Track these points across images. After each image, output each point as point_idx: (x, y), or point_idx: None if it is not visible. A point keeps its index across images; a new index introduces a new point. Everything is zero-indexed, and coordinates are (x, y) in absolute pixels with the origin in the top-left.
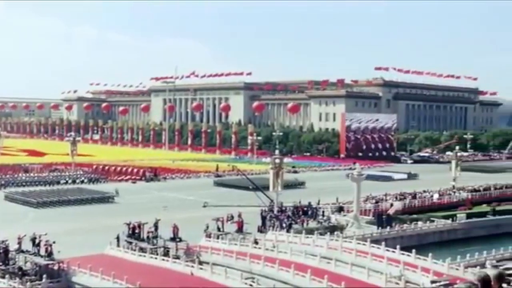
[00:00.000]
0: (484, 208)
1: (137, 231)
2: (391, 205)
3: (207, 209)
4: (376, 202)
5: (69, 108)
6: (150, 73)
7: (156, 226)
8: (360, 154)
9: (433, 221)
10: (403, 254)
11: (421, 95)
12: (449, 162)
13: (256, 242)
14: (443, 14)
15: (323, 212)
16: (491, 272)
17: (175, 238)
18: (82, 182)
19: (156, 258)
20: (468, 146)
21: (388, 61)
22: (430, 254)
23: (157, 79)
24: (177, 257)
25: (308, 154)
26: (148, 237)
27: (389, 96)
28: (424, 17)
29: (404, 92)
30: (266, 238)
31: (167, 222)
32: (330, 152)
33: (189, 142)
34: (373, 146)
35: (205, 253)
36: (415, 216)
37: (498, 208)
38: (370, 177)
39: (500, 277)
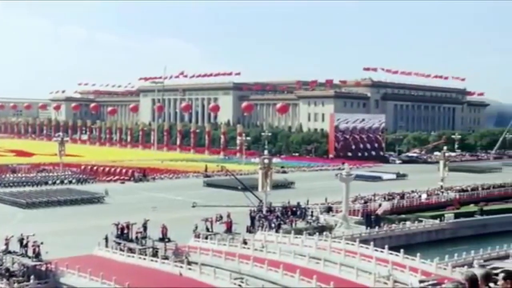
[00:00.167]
0: (472, 208)
1: (125, 231)
2: (380, 205)
3: (196, 209)
4: (365, 202)
5: (57, 108)
6: (139, 73)
7: (145, 226)
8: (349, 154)
9: (421, 221)
10: (391, 254)
11: (409, 95)
12: (437, 162)
13: (245, 242)
14: (431, 15)
15: (312, 212)
16: (478, 271)
17: (164, 239)
18: (70, 182)
19: (145, 258)
20: (456, 146)
21: (377, 61)
22: (418, 254)
23: (145, 79)
24: (166, 258)
25: (297, 154)
26: (136, 237)
27: (378, 96)
28: (412, 18)
29: (393, 92)
30: (255, 238)
31: (156, 223)
32: (319, 152)
33: (178, 142)
34: (361, 146)
35: (194, 253)
36: (403, 216)
37: (485, 208)
38: (359, 177)
39: (487, 277)
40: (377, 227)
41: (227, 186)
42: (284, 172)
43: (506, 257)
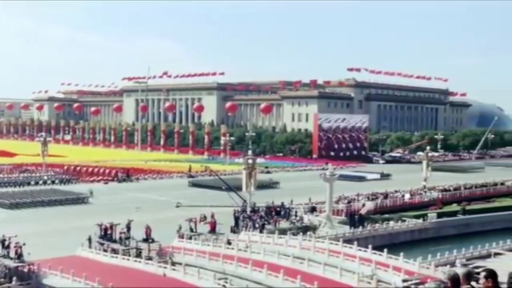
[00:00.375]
0: (454, 207)
1: (109, 232)
2: (363, 205)
3: (180, 209)
4: (349, 202)
5: (40, 108)
6: (122, 73)
7: (128, 227)
8: (332, 154)
9: (404, 220)
10: (375, 253)
11: (392, 95)
12: (420, 162)
13: (229, 243)
14: (413, 16)
15: (296, 212)
16: (460, 270)
17: (147, 239)
18: (53, 182)
19: (128, 259)
20: (439, 146)
21: (360, 62)
22: (401, 253)
23: (129, 79)
24: (150, 258)
25: (281, 154)
26: (120, 238)
27: (361, 97)
28: (395, 19)
29: (376, 93)
30: (239, 238)
31: (139, 223)
32: (302, 152)
33: (162, 142)
34: (345, 146)
35: (178, 254)
36: (387, 216)
37: (468, 208)
38: (344, 177)
39: (469, 276)
40: (360, 227)
41: (212, 186)
42: (268, 172)
43: (488, 256)
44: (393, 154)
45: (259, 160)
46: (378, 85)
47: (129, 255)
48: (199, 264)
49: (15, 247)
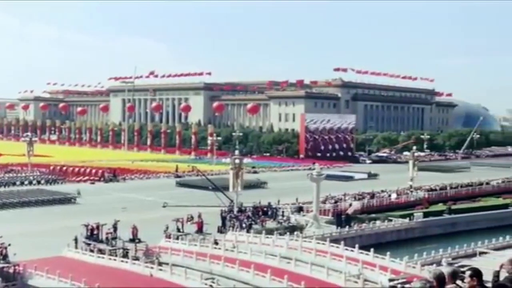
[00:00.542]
0: (440, 207)
1: (95, 232)
2: (350, 205)
3: (166, 209)
4: (335, 202)
5: (25, 108)
6: (109, 73)
7: (115, 227)
8: (319, 154)
9: (391, 220)
10: (361, 253)
11: (379, 96)
12: (407, 162)
13: (216, 243)
14: (400, 16)
15: (282, 212)
16: (445, 269)
17: (134, 239)
18: (39, 183)
19: (115, 259)
20: (425, 146)
21: (347, 62)
22: (388, 253)
23: (116, 79)
24: (137, 258)
25: (267, 154)
26: (107, 238)
27: (348, 97)
28: (382, 19)
29: (363, 93)
30: (226, 238)
31: (126, 223)
32: (289, 152)
33: (149, 142)
34: (331, 146)
35: (165, 254)
36: (373, 215)
37: (453, 207)
38: (331, 177)
39: (454, 275)
40: (347, 227)
41: (199, 186)
42: (255, 172)
43: (473, 255)
44: (379, 154)
45: (246, 160)
46: (365, 85)
47: (116, 255)
48: (186, 264)
49: (0, 248)
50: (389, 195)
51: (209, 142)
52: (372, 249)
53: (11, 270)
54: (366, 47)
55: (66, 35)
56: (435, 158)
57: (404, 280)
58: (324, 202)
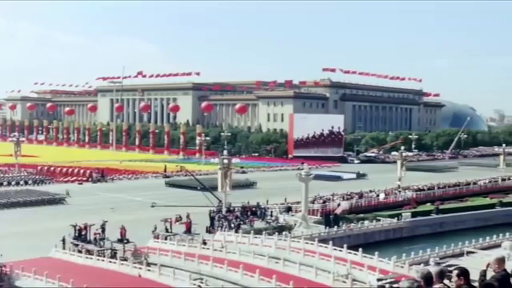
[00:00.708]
0: (428, 207)
1: (83, 233)
2: (339, 205)
3: (155, 210)
4: (324, 202)
5: (12, 108)
6: (97, 73)
7: (103, 227)
8: (307, 154)
9: (379, 220)
10: (350, 253)
11: (367, 96)
12: (395, 162)
13: (204, 243)
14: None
15: (271, 212)
16: (433, 269)
17: (122, 240)
18: (26, 183)
19: (103, 260)
20: (413, 146)
21: (336, 62)
22: (376, 253)
23: (104, 79)
24: (125, 259)
25: (256, 154)
26: (95, 239)
27: (336, 97)
28: (370, 20)
29: (351, 93)
30: (215, 238)
31: (114, 224)
32: (278, 152)
33: (137, 142)
34: (320, 146)
35: (153, 254)
36: (361, 215)
37: (441, 207)
38: (320, 177)
39: (442, 274)
40: (336, 227)
41: (188, 187)
42: (244, 172)
43: (460, 254)
44: (368, 154)
45: (234, 160)
46: (353, 86)
47: (104, 256)
48: (174, 265)
49: None
50: (377, 195)
51: (197, 142)
52: (360, 249)
53: None
54: (354, 48)
55: (53, 34)
56: (423, 158)
57: (393, 279)
58: (312, 202)
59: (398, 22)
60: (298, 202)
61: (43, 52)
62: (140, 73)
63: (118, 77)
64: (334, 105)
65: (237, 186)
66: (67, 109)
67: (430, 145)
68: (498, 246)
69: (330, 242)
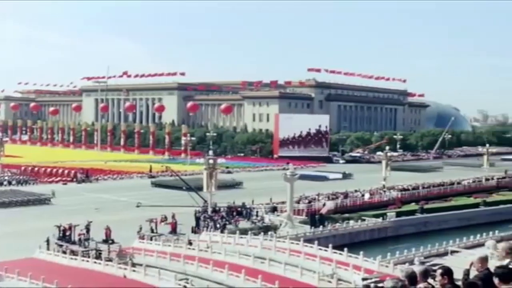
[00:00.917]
0: (413, 206)
1: (68, 233)
2: (324, 204)
3: (140, 210)
4: (309, 202)
5: None
6: (82, 72)
7: (87, 228)
8: (293, 154)
9: (364, 220)
10: (335, 252)
11: (352, 96)
12: (380, 162)
13: (190, 243)
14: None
15: (257, 212)
16: (417, 268)
17: (107, 240)
18: (10, 183)
19: (88, 261)
20: (398, 146)
21: (321, 62)
22: (361, 252)
23: (88, 78)
24: (110, 260)
25: (242, 154)
26: (79, 239)
27: (322, 97)
28: (355, 20)
29: (336, 93)
30: (200, 239)
31: (99, 224)
32: (263, 152)
33: (122, 142)
34: (305, 146)
35: (138, 255)
36: (347, 215)
37: (426, 207)
38: (306, 177)
39: (426, 273)
40: (321, 227)
41: (174, 187)
42: (229, 172)
43: (445, 254)
44: (353, 154)
45: (220, 160)
46: (338, 86)
47: (89, 257)
48: (160, 265)
49: None
50: (363, 195)
51: (183, 142)
52: (345, 249)
53: None
54: (339, 48)
55: (37, 34)
56: (408, 158)
57: (378, 279)
58: (298, 202)
59: (383, 23)
60: (283, 202)
61: (27, 52)
62: (125, 73)
63: (103, 77)
64: (320, 105)
65: (222, 186)
66: (51, 109)
67: (414, 145)
68: (481, 245)
69: (316, 242)
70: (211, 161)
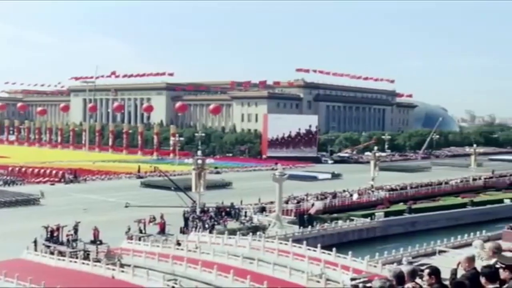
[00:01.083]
0: (401, 206)
1: (55, 234)
2: (312, 205)
3: (128, 210)
4: (298, 202)
5: None
6: (70, 72)
7: (75, 229)
8: (281, 154)
9: (352, 220)
10: (323, 252)
11: (341, 96)
12: (368, 162)
13: (178, 244)
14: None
15: (245, 212)
16: (405, 268)
17: (95, 241)
18: None
19: (75, 261)
20: (386, 146)
21: (309, 63)
22: (350, 252)
23: (76, 78)
24: (98, 260)
25: (230, 155)
26: (67, 240)
27: (310, 97)
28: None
29: (325, 93)
30: (189, 239)
31: (87, 225)
32: (252, 153)
33: (110, 143)
34: (294, 146)
35: (127, 255)
36: (335, 215)
37: (414, 207)
38: (295, 177)
39: (413, 273)
40: (309, 227)
41: (163, 187)
42: (218, 172)
43: (433, 253)
44: (341, 154)
45: (208, 160)
46: (327, 86)
47: (77, 258)
48: (148, 266)
49: None
50: (351, 195)
51: (171, 142)
52: (334, 249)
53: None
54: (328, 48)
55: (25, 34)
56: (396, 158)
57: (366, 279)
58: (286, 202)
59: (372, 23)
60: (272, 202)
61: (15, 52)
62: (113, 73)
63: (91, 77)
64: (308, 105)
65: (211, 186)
66: (39, 109)
67: (403, 145)
68: (469, 245)
69: (304, 242)
70: (199, 161)
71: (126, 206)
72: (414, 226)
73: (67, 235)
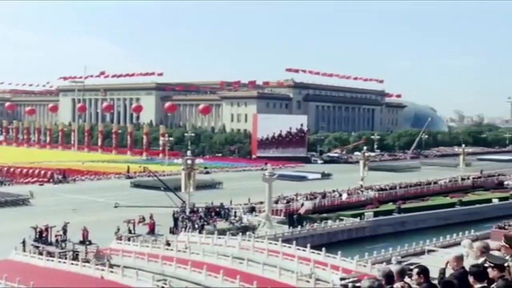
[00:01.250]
0: (390, 206)
1: (44, 235)
2: (302, 204)
3: (118, 211)
4: (287, 202)
5: None
6: (59, 72)
7: (64, 229)
8: (271, 154)
9: (342, 219)
10: (313, 252)
11: (330, 96)
12: (358, 162)
13: (168, 244)
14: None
15: (235, 212)
16: (394, 268)
17: (84, 241)
18: None
19: (64, 262)
20: (375, 146)
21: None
22: (339, 252)
23: (65, 78)
24: (87, 261)
25: (220, 155)
26: (56, 240)
27: (300, 97)
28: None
29: (314, 93)
30: (178, 239)
31: (76, 225)
32: (242, 153)
33: (100, 143)
34: (283, 146)
35: (116, 256)
36: (325, 215)
37: (403, 206)
38: (285, 177)
39: (402, 272)
40: (299, 227)
41: (153, 187)
42: (208, 172)
43: (422, 253)
44: (331, 154)
45: (198, 160)
46: (316, 86)
47: (66, 258)
48: (137, 266)
49: None
50: (340, 195)
51: (161, 142)
52: (323, 249)
53: None
54: (317, 48)
55: (13, 34)
56: (385, 158)
57: (355, 278)
58: (276, 202)
59: (361, 24)
60: (261, 202)
61: (2, 52)
62: (102, 73)
63: (80, 77)
64: (298, 105)
65: (201, 186)
66: (27, 108)
67: (392, 145)
68: (458, 244)
69: (294, 242)
70: (189, 162)
71: (116, 207)
72: (403, 225)
73: (56, 236)
